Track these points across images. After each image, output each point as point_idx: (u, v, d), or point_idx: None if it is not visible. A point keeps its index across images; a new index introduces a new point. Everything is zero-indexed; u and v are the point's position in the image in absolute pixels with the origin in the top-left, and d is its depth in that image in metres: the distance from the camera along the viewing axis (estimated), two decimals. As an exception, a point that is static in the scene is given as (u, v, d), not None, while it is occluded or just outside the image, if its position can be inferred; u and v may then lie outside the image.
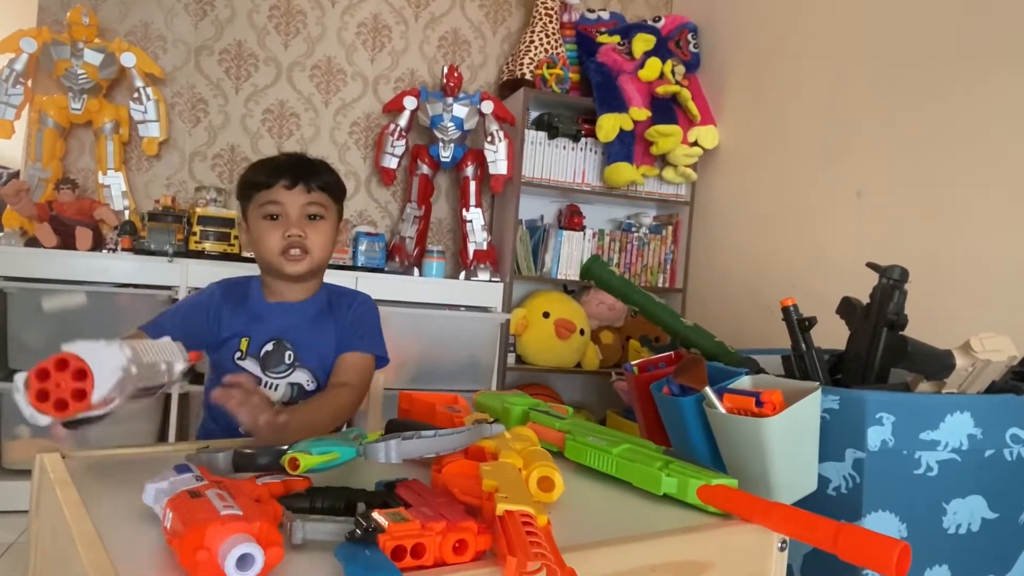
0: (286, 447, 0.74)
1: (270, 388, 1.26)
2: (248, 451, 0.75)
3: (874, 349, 1.30)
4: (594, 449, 0.90)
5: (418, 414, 1.09)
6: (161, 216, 2.39)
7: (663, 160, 2.93)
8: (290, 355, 1.27)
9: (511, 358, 2.82)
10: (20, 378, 0.68)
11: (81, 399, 0.67)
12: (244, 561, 0.52)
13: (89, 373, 0.68)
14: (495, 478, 0.67)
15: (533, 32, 2.91)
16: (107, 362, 0.69)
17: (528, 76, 2.87)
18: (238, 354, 1.26)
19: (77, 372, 0.68)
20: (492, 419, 0.94)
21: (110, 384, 0.68)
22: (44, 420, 0.67)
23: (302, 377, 1.28)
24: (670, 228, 3.10)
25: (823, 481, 1.13)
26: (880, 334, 1.29)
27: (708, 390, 1.11)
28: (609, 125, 2.77)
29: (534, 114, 2.99)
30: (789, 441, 1.05)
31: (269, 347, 1.27)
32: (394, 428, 0.96)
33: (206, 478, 0.64)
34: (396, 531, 0.56)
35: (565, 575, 0.53)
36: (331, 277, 1.38)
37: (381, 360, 1.33)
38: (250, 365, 1.26)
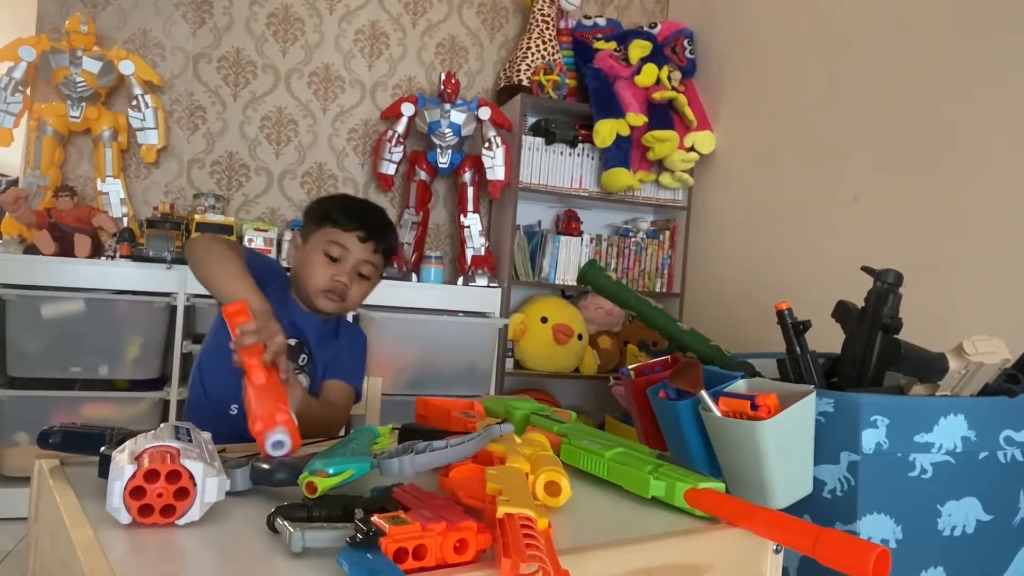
0: (302, 463, 0.75)
1: None
2: (265, 466, 0.76)
3: (869, 352, 1.30)
4: (587, 453, 0.91)
5: (434, 419, 1.10)
6: (159, 223, 2.40)
7: (660, 165, 2.94)
8: (304, 358, 1.34)
9: (509, 363, 2.83)
10: (128, 471, 0.64)
11: (169, 515, 0.66)
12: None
13: (191, 495, 0.66)
14: (499, 482, 0.68)
15: (530, 39, 2.92)
16: (209, 491, 0.67)
17: (525, 82, 2.89)
18: None
19: (180, 490, 0.66)
20: (500, 420, 0.94)
21: (199, 513, 0.67)
22: (126, 519, 0.64)
23: (304, 382, 1.33)
24: (667, 233, 3.11)
25: (818, 484, 1.14)
26: (875, 337, 1.30)
27: (704, 394, 1.12)
28: (606, 131, 2.78)
29: (531, 120, 3.00)
30: (784, 444, 1.06)
31: (292, 342, 1.31)
32: (407, 433, 0.98)
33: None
34: (397, 534, 0.57)
35: (559, 577, 0.54)
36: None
37: (356, 394, 1.40)
38: None
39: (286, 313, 1.32)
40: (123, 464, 0.65)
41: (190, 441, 0.72)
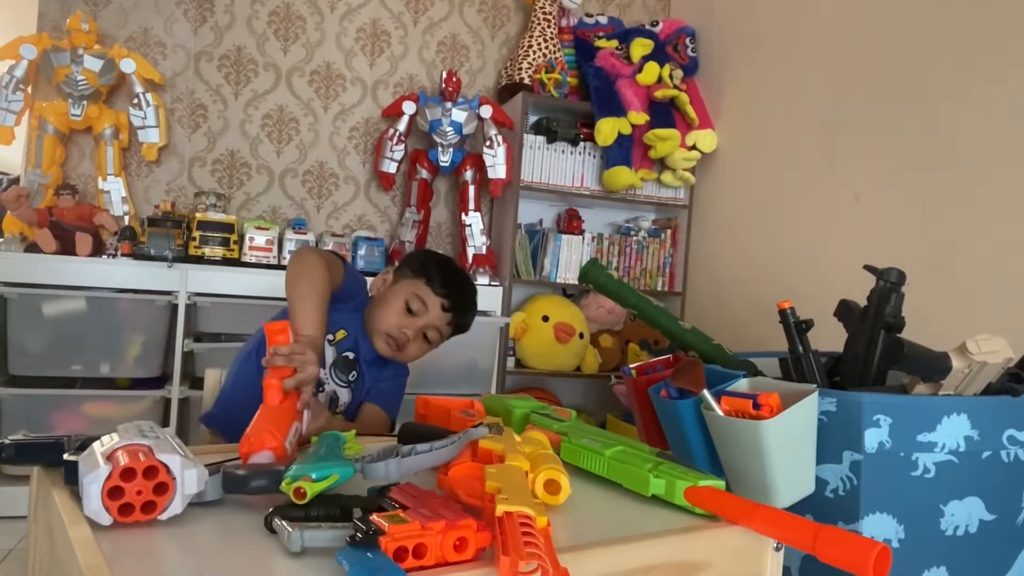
0: (282, 468, 0.73)
1: (321, 388, 1.34)
2: (241, 472, 0.72)
3: (872, 351, 1.30)
4: (587, 451, 0.90)
5: (434, 418, 1.10)
6: (161, 221, 2.40)
7: (661, 164, 2.93)
8: (355, 375, 1.37)
9: (511, 362, 2.83)
10: (104, 472, 0.63)
11: (150, 512, 0.65)
12: None
13: (171, 489, 0.65)
14: (499, 480, 0.67)
15: (531, 37, 2.92)
16: (188, 483, 0.66)
17: (527, 81, 2.88)
18: (330, 337, 1.34)
19: (159, 485, 0.65)
20: (477, 423, 0.94)
21: (180, 506, 0.66)
22: (106, 520, 0.63)
23: (345, 396, 1.37)
24: (669, 232, 3.10)
25: (821, 483, 1.13)
26: (877, 337, 1.29)
27: (706, 393, 1.11)
28: (607, 129, 2.77)
29: (533, 118, 2.99)
30: (786, 443, 1.06)
31: (349, 355, 1.37)
32: (407, 432, 0.97)
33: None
34: (397, 532, 0.57)
35: (558, 575, 0.53)
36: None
37: (391, 424, 1.41)
38: (328, 354, 1.34)
39: (355, 328, 1.37)
40: (97, 465, 0.64)
41: (157, 437, 0.70)
